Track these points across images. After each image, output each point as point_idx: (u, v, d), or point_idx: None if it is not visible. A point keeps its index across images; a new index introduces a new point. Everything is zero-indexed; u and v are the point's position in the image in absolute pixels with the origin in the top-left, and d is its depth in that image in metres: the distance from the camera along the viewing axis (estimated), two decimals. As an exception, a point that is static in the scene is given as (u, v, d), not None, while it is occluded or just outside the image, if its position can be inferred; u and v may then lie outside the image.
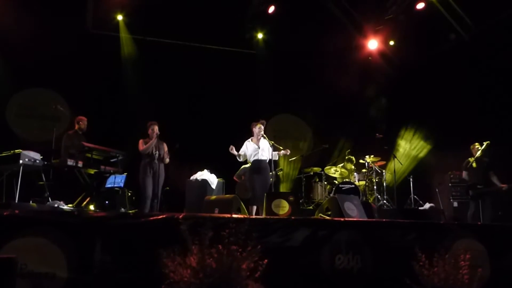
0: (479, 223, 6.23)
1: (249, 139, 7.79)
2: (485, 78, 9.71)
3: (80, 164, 7.17)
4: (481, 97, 9.74)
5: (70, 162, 7.01)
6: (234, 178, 8.78)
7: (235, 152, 7.59)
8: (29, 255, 3.48)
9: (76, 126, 7.81)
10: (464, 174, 8.69)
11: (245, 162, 7.89)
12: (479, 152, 8.42)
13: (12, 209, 4.48)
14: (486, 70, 9.73)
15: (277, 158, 7.86)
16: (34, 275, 3.46)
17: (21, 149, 6.88)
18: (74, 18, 10.09)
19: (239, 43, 11.66)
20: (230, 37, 11.26)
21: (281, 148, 7.65)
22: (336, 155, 10.09)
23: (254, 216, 6.55)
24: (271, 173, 8.67)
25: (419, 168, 10.12)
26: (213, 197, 7.78)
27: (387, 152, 9.80)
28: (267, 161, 7.69)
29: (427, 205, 9.01)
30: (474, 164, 8.46)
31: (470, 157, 8.59)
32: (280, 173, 9.82)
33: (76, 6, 10.08)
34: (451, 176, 9.44)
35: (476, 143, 8.56)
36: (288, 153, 7.72)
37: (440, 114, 10.28)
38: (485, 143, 8.43)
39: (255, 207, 7.48)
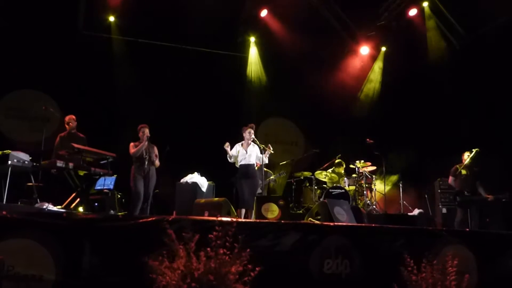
0: (467, 229, 6.28)
1: (240, 143, 7.85)
2: (476, 86, 9.79)
3: (70, 165, 7.13)
4: (471, 105, 9.82)
5: (59, 164, 6.96)
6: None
7: (228, 150, 7.63)
8: (16, 257, 3.45)
9: (67, 127, 7.76)
10: (451, 180, 8.73)
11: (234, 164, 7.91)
12: (468, 159, 8.48)
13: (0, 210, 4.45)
14: (476, 78, 9.82)
15: (266, 161, 7.87)
16: (20, 278, 3.43)
17: (10, 150, 6.84)
18: (65, 19, 10.05)
19: (231, 47, 11.66)
20: (222, 40, 11.28)
21: (266, 148, 7.67)
22: (327, 160, 10.09)
23: (243, 219, 6.56)
24: (272, 177, 8.70)
25: (409, 174, 10.15)
26: (203, 200, 7.78)
27: (377, 157, 9.84)
28: (255, 165, 7.75)
29: (416, 211, 9.07)
30: (463, 171, 8.52)
31: (459, 164, 8.66)
32: (283, 175, 9.79)
33: (68, 7, 10.02)
34: (440, 182, 9.49)
35: (467, 152, 8.61)
36: (271, 150, 7.72)
37: (430, 121, 10.38)
38: (474, 150, 8.48)
39: (244, 210, 7.50)
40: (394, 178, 10.51)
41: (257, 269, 3.35)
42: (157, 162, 7.81)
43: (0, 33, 9.19)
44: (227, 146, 7.63)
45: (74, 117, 7.84)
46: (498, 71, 9.36)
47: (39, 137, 7.66)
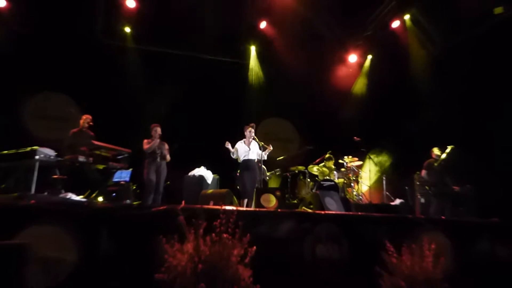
0: (442, 217, 6.29)
1: (242, 141, 7.90)
2: (449, 89, 9.81)
3: (90, 160, 7.16)
4: (445, 106, 9.84)
5: (81, 158, 6.99)
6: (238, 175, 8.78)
7: (229, 148, 7.66)
8: (42, 241, 3.47)
9: (81, 123, 7.75)
10: (424, 173, 8.79)
11: (237, 160, 7.95)
12: (444, 155, 8.51)
13: (28, 199, 4.47)
14: (451, 81, 9.84)
15: (265, 157, 7.91)
16: (46, 259, 3.45)
17: (37, 146, 6.86)
18: (85, 29, 10.09)
19: (233, 54, 11.66)
20: (226, 48, 11.30)
21: (266, 146, 7.71)
22: (319, 155, 10.10)
23: (244, 208, 6.58)
24: (269, 173, 8.72)
25: (391, 168, 10.18)
26: (209, 191, 7.81)
27: (363, 153, 9.86)
28: (256, 161, 7.78)
29: (397, 201, 9.10)
30: (435, 165, 8.57)
31: (430, 159, 8.71)
32: (277, 173, 9.83)
33: (88, 18, 10.06)
34: (418, 175, 9.51)
35: (435, 148, 8.70)
36: (271, 148, 7.77)
37: (410, 121, 10.44)
38: (449, 147, 8.53)
39: (246, 201, 7.53)
40: (378, 171, 10.53)
41: (253, 248, 3.37)
42: (168, 157, 7.84)
43: (28, 41, 9.22)
44: (227, 144, 7.66)
45: (90, 117, 7.85)
46: (470, 75, 9.39)
47: (61, 135, 7.68)
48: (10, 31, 9.17)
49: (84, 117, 7.81)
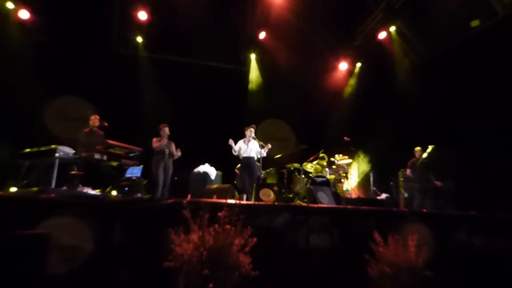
0: (424, 210, 6.28)
1: (242, 140, 7.90)
2: (430, 93, 9.82)
3: (105, 157, 7.15)
4: (426, 108, 9.85)
5: (97, 156, 6.98)
6: (236, 170, 8.77)
7: (232, 145, 7.66)
8: (62, 230, 3.46)
9: (91, 124, 7.65)
10: (409, 171, 8.80)
11: (238, 157, 7.94)
12: (425, 154, 8.52)
13: (48, 193, 4.46)
14: (432, 87, 9.83)
15: (265, 155, 7.90)
16: (65, 247, 3.45)
17: (57, 145, 6.85)
18: (101, 38, 10.10)
19: (235, 62, 11.66)
20: (228, 57, 11.31)
21: (264, 145, 7.72)
22: (312, 154, 10.08)
23: (245, 202, 6.57)
24: (264, 171, 8.70)
25: (378, 166, 10.17)
26: (213, 186, 7.81)
27: (353, 152, 9.85)
28: (255, 158, 7.78)
29: (383, 195, 9.08)
30: (418, 164, 8.58)
31: (414, 158, 8.73)
32: (272, 172, 9.82)
33: (104, 29, 10.09)
34: (403, 172, 9.52)
35: (417, 147, 8.71)
36: (269, 147, 7.77)
37: (395, 122, 10.45)
38: (430, 147, 8.54)
39: (245, 195, 7.52)
40: (366, 168, 10.53)
41: (253, 239, 3.36)
42: (178, 153, 7.82)
43: (49, 50, 9.22)
44: (231, 142, 7.67)
45: (98, 117, 7.74)
46: (449, 81, 9.41)
47: (78, 134, 7.65)
48: (34, 40, 9.15)
49: (92, 117, 7.69)
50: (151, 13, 9.83)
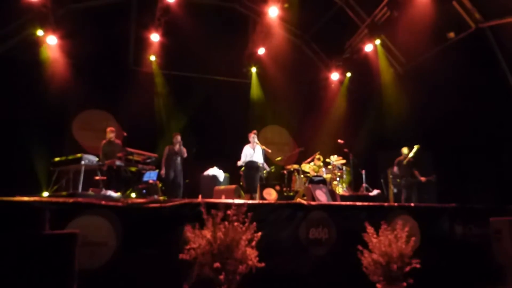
0: (412, 204, 6.25)
1: (248, 145, 7.91)
2: (412, 99, 9.83)
3: (125, 163, 7.16)
4: (409, 113, 9.85)
5: (118, 163, 7.00)
6: (240, 172, 8.77)
7: (240, 163, 7.79)
8: (89, 229, 3.48)
9: (108, 136, 7.60)
10: (396, 169, 8.79)
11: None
12: (411, 153, 8.52)
13: (76, 196, 4.49)
14: (413, 94, 9.85)
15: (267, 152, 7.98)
16: (91, 244, 3.46)
17: (82, 153, 6.89)
18: (120, 58, 10.27)
19: (238, 75, 11.72)
20: (232, 70, 11.37)
21: (266, 149, 7.75)
22: (309, 155, 10.07)
23: (251, 201, 6.57)
24: (265, 170, 8.71)
25: (369, 165, 10.13)
26: (221, 187, 7.80)
27: (346, 153, 9.82)
28: (260, 162, 7.81)
29: (375, 192, 9.05)
30: (404, 162, 8.58)
31: (400, 157, 8.73)
32: (272, 169, 9.82)
33: (122, 51, 10.28)
34: (391, 170, 9.48)
35: (404, 147, 8.71)
36: (269, 151, 7.84)
37: (383, 125, 10.46)
38: (415, 146, 8.54)
39: (250, 195, 7.51)
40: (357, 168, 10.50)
41: (259, 234, 3.37)
42: (184, 150, 7.87)
43: (75, 69, 9.32)
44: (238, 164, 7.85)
45: (113, 129, 7.71)
46: (429, 88, 9.41)
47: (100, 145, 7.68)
48: (63, 62, 9.25)
49: (108, 129, 7.65)
50: (163, 35, 9.91)
